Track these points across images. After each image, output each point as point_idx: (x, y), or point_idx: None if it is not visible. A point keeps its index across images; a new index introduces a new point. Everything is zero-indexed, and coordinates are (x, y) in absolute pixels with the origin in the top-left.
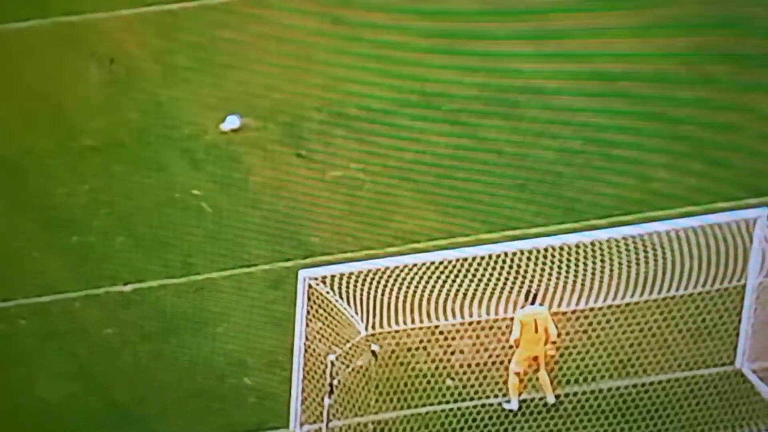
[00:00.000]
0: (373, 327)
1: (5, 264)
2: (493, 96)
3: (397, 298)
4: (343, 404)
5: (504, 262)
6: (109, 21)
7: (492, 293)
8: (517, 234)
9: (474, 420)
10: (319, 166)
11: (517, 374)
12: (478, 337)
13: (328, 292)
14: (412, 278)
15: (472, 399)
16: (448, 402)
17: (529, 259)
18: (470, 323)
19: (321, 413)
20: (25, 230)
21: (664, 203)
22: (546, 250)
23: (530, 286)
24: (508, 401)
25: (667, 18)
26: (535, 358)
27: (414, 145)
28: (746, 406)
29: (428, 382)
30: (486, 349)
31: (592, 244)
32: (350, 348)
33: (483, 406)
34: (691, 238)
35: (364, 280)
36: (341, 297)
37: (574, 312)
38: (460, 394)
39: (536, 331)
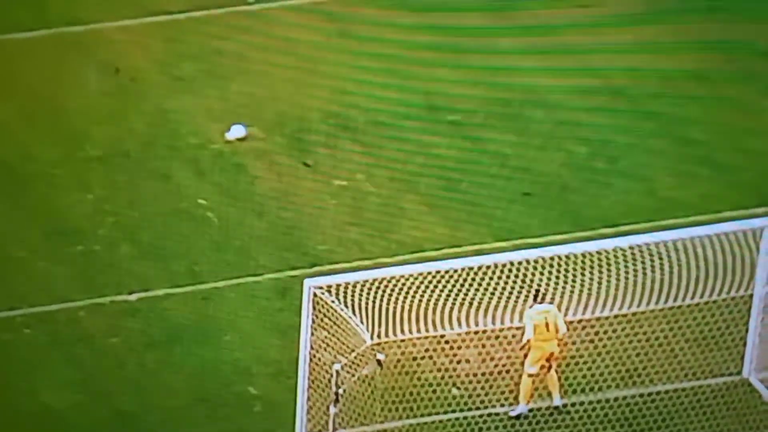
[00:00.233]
0: (379, 336)
1: (11, 273)
2: (499, 109)
3: (403, 307)
4: (348, 413)
5: (510, 271)
6: (114, 31)
7: (498, 302)
8: (523, 243)
9: (480, 429)
10: (325, 176)
11: (531, 376)
12: (483, 346)
13: (333, 301)
14: (418, 287)
15: (478, 408)
16: (453, 411)
17: (535, 268)
18: (476, 332)
19: (326, 422)
20: (31, 239)
21: (671, 212)
22: (552, 259)
23: (538, 285)
24: (514, 410)
25: (673, 32)
26: (548, 358)
27: (419, 156)
28: (753, 416)
29: (434, 392)
30: (492, 359)
31: (599, 253)
32: (356, 357)
33: (489, 415)
34: (698, 247)
35: (370, 289)
36: (347, 306)
37: (580, 321)
38: (465, 403)
39: (548, 329)
